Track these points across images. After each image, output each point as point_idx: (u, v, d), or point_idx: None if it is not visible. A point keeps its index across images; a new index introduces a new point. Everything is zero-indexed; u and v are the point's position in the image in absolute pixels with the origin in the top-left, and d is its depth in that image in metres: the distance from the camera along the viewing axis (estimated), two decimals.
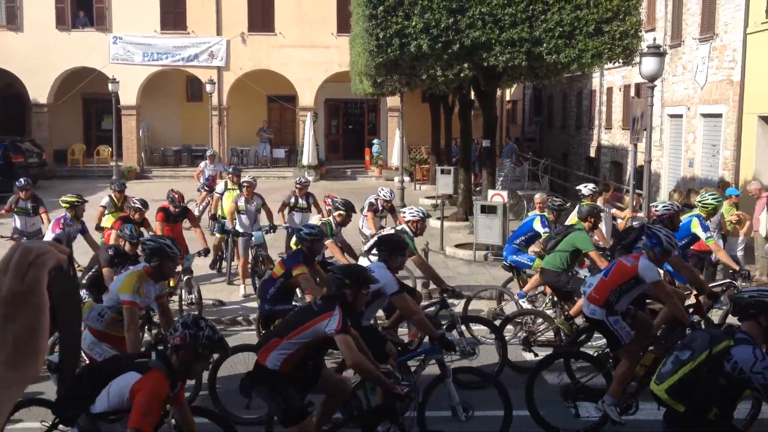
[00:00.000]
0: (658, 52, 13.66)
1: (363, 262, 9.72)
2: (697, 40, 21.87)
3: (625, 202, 13.37)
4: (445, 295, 8.65)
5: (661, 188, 24.05)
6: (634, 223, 10.72)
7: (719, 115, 20.69)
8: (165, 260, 6.66)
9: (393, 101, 29.56)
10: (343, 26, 28.10)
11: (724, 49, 20.42)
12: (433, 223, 16.93)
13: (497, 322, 9.48)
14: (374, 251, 9.51)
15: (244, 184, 12.89)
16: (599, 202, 12.62)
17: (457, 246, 15.85)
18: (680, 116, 23.17)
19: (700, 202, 10.25)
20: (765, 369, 4.42)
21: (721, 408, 4.64)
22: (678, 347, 4.92)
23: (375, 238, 9.77)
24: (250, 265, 12.54)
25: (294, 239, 10.50)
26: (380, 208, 12.66)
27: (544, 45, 14.69)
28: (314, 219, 11.68)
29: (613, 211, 12.86)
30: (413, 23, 14.60)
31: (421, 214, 9.45)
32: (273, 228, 13.01)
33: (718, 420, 4.63)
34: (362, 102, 33.90)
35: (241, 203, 12.74)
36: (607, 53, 14.86)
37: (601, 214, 12.39)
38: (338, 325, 5.46)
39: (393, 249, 7.31)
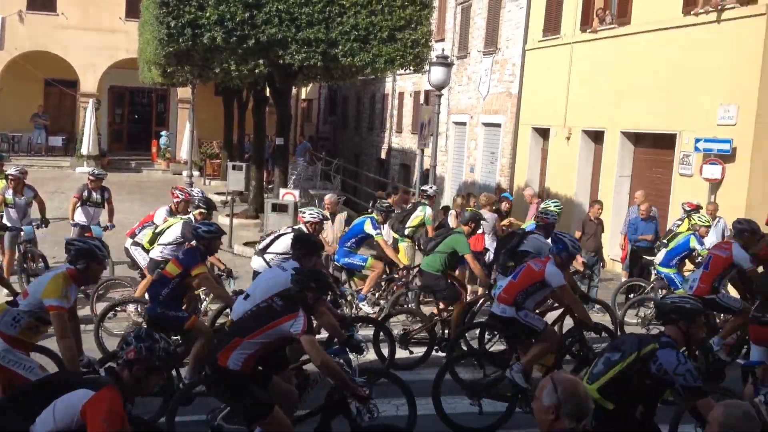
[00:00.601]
0: (445, 62, 14.30)
1: (256, 261, 9.35)
2: (482, 53, 23.18)
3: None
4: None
5: (445, 191, 25.23)
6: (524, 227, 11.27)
7: (498, 125, 22.08)
8: (93, 263, 6.20)
9: (184, 92, 28.56)
10: (133, 11, 26.71)
11: (505, 63, 21.81)
12: (222, 220, 16.52)
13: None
14: (270, 250, 9.16)
15: (10, 177, 11.70)
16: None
17: (246, 244, 15.57)
18: (464, 124, 24.46)
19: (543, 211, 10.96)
20: (687, 372, 4.73)
21: (646, 406, 4.92)
22: (607, 349, 5.13)
23: (271, 237, 9.46)
24: (17, 262, 11.47)
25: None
26: None
27: (340, 47, 14.82)
28: (175, 219, 10.12)
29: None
30: (207, 14, 14.12)
31: (320, 216, 9.44)
32: (45, 222, 11.98)
33: (643, 417, 4.91)
34: (150, 91, 32.45)
35: (9, 195, 11.61)
36: (399, 60, 15.28)
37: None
38: (303, 326, 5.49)
39: (309, 250, 7.23)
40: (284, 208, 13.85)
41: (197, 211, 9.77)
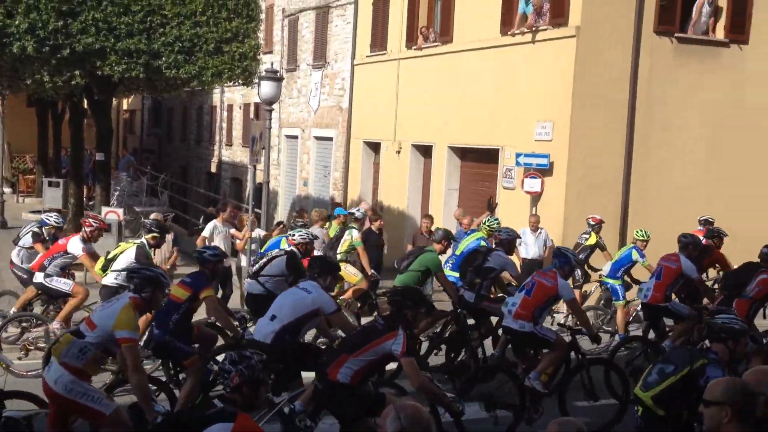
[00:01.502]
0: (275, 77, 14.07)
1: (252, 284, 9.37)
2: (311, 66, 23.17)
3: (243, 221, 13.44)
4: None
5: (279, 206, 24.98)
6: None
7: (330, 139, 22.15)
8: (158, 291, 6.16)
9: None
10: None
11: (334, 77, 21.92)
12: None
13: None
14: (263, 273, 9.20)
15: None
16: (218, 222, 12.56)
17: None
18: (296, 137, 24.33)
19: (486, 225, 11.80)
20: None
21: (690, 414, 5.26)
22: (661, 361, 5.63)
23: (264, 260, 9.44)
24: None
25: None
26: None
27: (164, 59, 14.24)
28: (128, 244, 9.86)
29: (232, 231, 12.85)
30: (17, 22, 13.12)
31: (309, 237, 9.76)
32: None
33: (687, 423, 5.34)
34: None
35: None
36: (227, 73, 14.93)
37: (219, 234, 12.41)
38: (403, 347, 5.84)
39: (328, 270, 7.47)
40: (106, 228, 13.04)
41: (150, 236, 9.73)
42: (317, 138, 23.07)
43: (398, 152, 18.61)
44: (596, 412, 8.13)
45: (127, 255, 9.50)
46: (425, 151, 18.08)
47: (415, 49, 17.98)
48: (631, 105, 13.80)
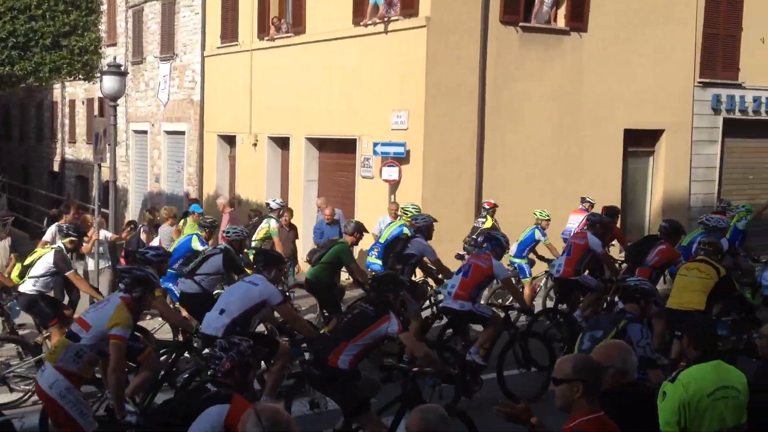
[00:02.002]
0: (118, 71, 13.39)
1: (186, 284, 9.11)
2: (159, 58, 22.31)
3: (87, 222, 12.74)
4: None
5: (129, 204, 23.96)
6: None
7: (182, 133, 21.44)
8: (147, 291, 6.31)
9: None
10: None
11: (184, 69, 21.22)
12: None
13: None
14: (199, 272, 9.00)
15: None
16: (62, 224, 11.79)
17: None
18: (145, 132, 23.39)
19: (404, 211, 12.12)
20: (646, 345, 5.76)
21: None
22: (588, 329, 6.12)
23: (197, 259, 9.26)
24: None
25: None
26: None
27: None
28: (44, 249, 9.39)
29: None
30: None
31: (244, 233, 9.83)
32: None
33: None
34: None
35: None
36: (67, 68, 14.10)
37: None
38: (399, 326, 6.27)
39: (273, 263, 7.54)
40: None
41: (67, 240, 9.32)
42: (168, 132, 22.28)
43: (254, 145, 18.30)
44: (530, 379, 8.72)
45: (45, 260, 9.02)
46: (282, 143, 17.88)
47: (267, 40, 17.69)
48: (481, 92, 14.23)
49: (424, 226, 10.00)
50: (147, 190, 23.42)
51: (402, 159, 14.23)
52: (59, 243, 9.45)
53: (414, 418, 3.58)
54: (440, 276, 10.15)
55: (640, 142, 16.45)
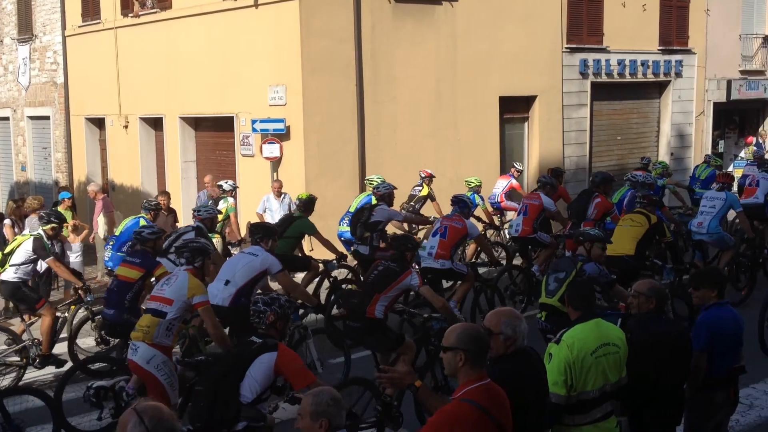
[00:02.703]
0: None
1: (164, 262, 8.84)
2: (17, 40, 20.98)
3: None
4: None
5: None
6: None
7: (47, 117, 20.29)
8: (206, 259, 6.88)
9: None
10: None
11: (45, 51, 20.03)
12: None
13: None
14: (172, 250, 8.70)
15: None
16: None
17: None
18: (7, 119, 21.99)
19: (369, 180, 12.58)
20: (603, 274, 7.39)
21: None
22: (551, 271, 7.28)
23: (171, 238, 9.23)
24: None
25: None
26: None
27: None
28: (24, 237, 9.20)
29: None
30: None
31: (215, 211, 10.36)
32: None
33: None
34: None
35: None
36: None
37: None
38: (420, 280, 7.31)
39: (269, 234, 8.06)
40: None
41: (49, 226, 9.20)
42: (31, 118, 21.04)
43: (125, 127, 17.54)
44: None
45: (24, 248, 8.96)
46: (155, 123, 17.22)
47: (132, 17, 16.91)
48: (358, 64, 14.16)
49: (386, 193, 10.56)
50: (13, 179, 22.09)
51: (282, 135, 14.00)
52: (39, 230, 9.24)
53: (306, 399, 3.54)
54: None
55: (515, 109, 16.87)
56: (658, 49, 18.97)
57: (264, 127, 14.16)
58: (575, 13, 17.36)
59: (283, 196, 13.18)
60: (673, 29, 19.27)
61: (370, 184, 12.31)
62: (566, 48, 17.26)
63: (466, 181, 13.49)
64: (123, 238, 10.27)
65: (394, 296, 7.22)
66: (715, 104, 20.57)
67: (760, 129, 22.31)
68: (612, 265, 8.53)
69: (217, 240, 11.57)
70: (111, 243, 10.85)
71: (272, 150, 14.03)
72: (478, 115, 15.84)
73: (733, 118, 22.45)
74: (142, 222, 10.21)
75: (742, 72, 21.02)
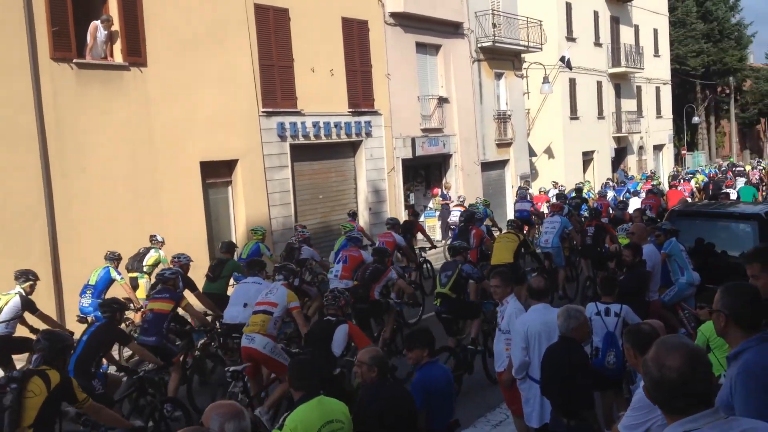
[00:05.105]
0: None
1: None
2: None
3: None
4: None
5: None
6: None
7: None
8: (296, 278, 10.64)
9: None
10: None
11: None
12: None
13: None
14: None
15: None
16: None
17: None
18: None
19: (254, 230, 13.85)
20: (476, 272, 10.42)
21: (465, 294, 10.35)
22: (441, 271, 10.30)
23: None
24: None
25: None
26: None
27: None
28: (8, 296, 9.71)
29: None
30: None
31: (189, 259, 11.38)
32: None
33: (464, 299, 10.25)
34: None
35: None
36: None
37: None
38: (397, 275, 11.45)
39: (260, 266, 10.46)
40: None
41: (27, 284, 9.92)
42: None
43: None
44: None
45: (12, 305, 9.70)
46: None
47: None
48: (41, 135, 13.12)
49: (308, 238, 14.35)
50: None
51: None
52: (18, 288, 9.87)
53: (208, 412, 3.54)
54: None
55: (217, 173, 16.68)
56: (348, 111, 20.05)
57: None
58: (267, 78, 17.73)
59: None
60: (360, 92, 20.52)
61: (256, 233, 14.06)
62: (263, 112, 17.53)
63: (483, 200, 20.53)
64: (100, 287, 11.63)
65: (383, 284, 10.83)
66: (403, 160, 22.19)
67: (444, 180, 24.46)
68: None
69: (146, 280, 12.85)
70: (88, 291, 11.65)
71: None
72: (180, 181, 15.40)
73: (419, 172, 24.38)
74: (112, 271, 11.76)
75: (423, 130, 22.96)
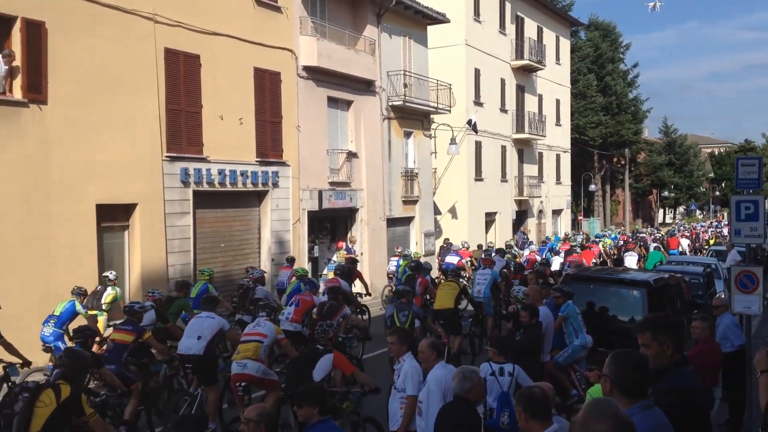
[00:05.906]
0: None
1: None
2: None
3: None
4: None
5: None
6: None
7: None
8: (276, 314, 11.32)
9: None
10: None
11: None
12: None
13: None
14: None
15: None
16: None
17: None
18: None
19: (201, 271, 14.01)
20: (422, 313, 13.03)
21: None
22: (398, 311, 12.20)
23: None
24: None
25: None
26: None
27: None
28: None
29: None
30: None
31: (162, 294, 13.50)
32: None
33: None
34: None
35: None
36: None
37: None
38: (350, 312, 12.81)
39: (213, 303, 10.99)
40: None
41: None
42: None
43: None
44: None
45: None
46: None
47: None
48: None
49: (260, 277, 16.31)
50: None
51: None
52: None
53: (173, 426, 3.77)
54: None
55: (114, 217, 16.15)
56: (256, 161, 19.91)
57: None
58: (174, 123, 17.45)
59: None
60: (269, 143, 20.45)
61: (203, 273, 14.92)
62: (166, 156, 17.18)
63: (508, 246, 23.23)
64: (63, 318, 12.20)
65: (338, 321, 11.81)
66: (309, 212, 22.12)
67: (349, 234, 24.49)
68: (439, 316, 13.85)
69: (105, 316, 13.48)
70: (51, 321, 12.12)
71: None
72: (74, 224, 14.82)
73: (325, 225, 24.34)
74: (78, 305, 12.41)
75: (331, 183, 23.01)
